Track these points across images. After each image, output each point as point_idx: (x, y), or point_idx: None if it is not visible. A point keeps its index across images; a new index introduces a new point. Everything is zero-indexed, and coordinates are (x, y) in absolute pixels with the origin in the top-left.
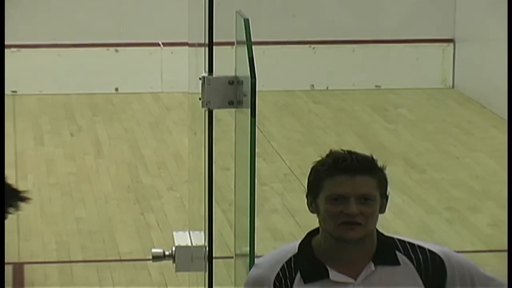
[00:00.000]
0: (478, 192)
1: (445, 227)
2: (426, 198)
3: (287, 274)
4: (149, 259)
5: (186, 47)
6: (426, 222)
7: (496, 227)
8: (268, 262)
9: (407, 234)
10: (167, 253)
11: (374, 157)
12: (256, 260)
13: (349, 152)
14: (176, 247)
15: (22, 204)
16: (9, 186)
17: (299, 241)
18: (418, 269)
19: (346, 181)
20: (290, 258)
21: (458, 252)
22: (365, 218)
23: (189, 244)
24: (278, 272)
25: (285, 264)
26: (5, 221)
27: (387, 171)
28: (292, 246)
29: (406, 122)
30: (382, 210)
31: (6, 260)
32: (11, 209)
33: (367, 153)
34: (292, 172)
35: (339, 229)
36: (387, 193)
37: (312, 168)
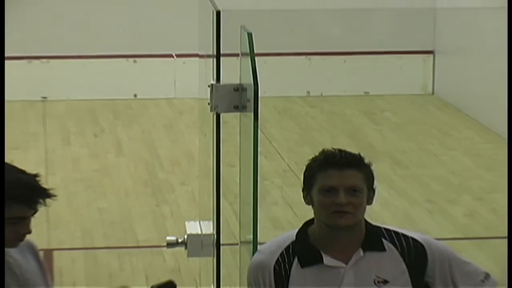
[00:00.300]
0: (455, 186)
1: (426, 217)
2: (409, 191)
3: (286, 259)
4: (163, 246)
5: (197, 58)
6: (409, 212)
7: (471, 217)
8: (269, 249)
9: (392, 223)
10: (180, 240)
11: (362, 155)
12: (258, 247)
13: (339, 150)
14: (188, 235)
15: (49, 201)
16: (37, 184)
17: (297, 229)
18: (402, 254)
19: (335, 175)
20: (289, 245)
21: (437, 239)
22: (354, 207)
23: (199, 233)
24: (278, 258)
25: (284, 250)
26: (35, 214)
27: (374, 168)
28: (290, 234)
29: (391, 124)
30: (370, 201)
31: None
32: (39, 206)
33: (357, 151)
34: (291, 168)
35: (331, 217)
36: (374, 186)
37: (307, 165)
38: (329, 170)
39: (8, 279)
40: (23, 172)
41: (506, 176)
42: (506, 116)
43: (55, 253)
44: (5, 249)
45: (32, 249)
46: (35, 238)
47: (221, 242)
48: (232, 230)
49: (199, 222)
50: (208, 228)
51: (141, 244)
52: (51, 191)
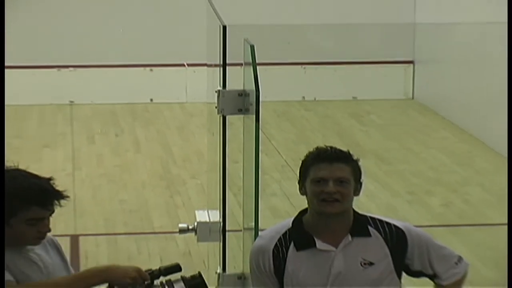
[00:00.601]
0: (432, 179)
1: (407, 207)
2: (391, 184)
3: (283, 243)
4: (176, 232)
5: (205, 67)
6: (392, 203)
7: (446, 207)
8: (269, 234)
9: (377, 212)
10: (190, 227)
11: (350, 152)
12: (259, 233)
13: (330, 147)
14: (197, 222)
15: (63, 202)
16: (51, 187)
17: (293, 218)
18: (385, 240)
19: (326, 167)
20: (286, 232)
21: (416, 226)
22: (341, 196)
23: (208, 220)
24: (276, 242)
25: (281, 236)
26: (52, 214)
27: (361, 164)
28: (287, 222)
29: (376, 126)
30: (357, 193)
31: (64, 233)
32: (54, 207)
33: (345, 149)
34: (288, 164)
35: (321, 205)
36: (361, 180)
37: (303, 160)
38: (321, 164)
39: (32, 274)
40: (37, 177)
41: (478, 171)
42: (479, 118)
43: (81, 238)
44: (29, 246)
45: (55, 245)
46: (63, 226)
47: (226, 229)
48: (236, 218)
49: (207, 211)
50: (215, 216)
51: (156, 231)
52: (64, 193)
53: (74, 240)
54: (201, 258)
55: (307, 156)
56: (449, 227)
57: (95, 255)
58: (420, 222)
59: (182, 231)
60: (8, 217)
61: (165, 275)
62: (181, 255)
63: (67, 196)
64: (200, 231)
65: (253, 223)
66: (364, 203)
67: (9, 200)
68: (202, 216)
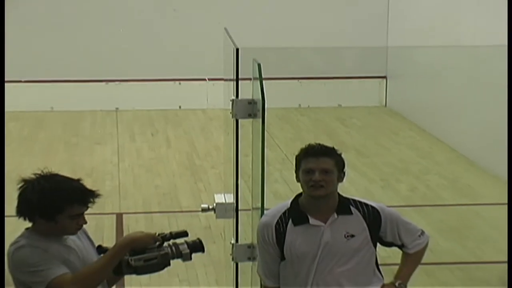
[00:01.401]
0: (400, 169)
1: (380, 191)
2: (368, 173)
3: (283, 220)
4: (199, 211)
5: (222, 81)
6: (368, 188)
7: (411, 191)
8: (272, 213)
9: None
10: (210, 207)
11: (335, 148)
12: (264, 212)
13: (319, 144)
14: (216, 203)
15: (96, 200)
16: (86, 188)
17: (291, 200)
18: (364, 217)
19: (313, 161)
20: (285, 211)
21: (388, 206)
22: (326, 183)
23: (224, 202)
24: (278, 219)
25: (282, 214)
26: (97, 199)
27: (345, 157)
28: (286, 203)
29: (356, 127)
30: (340, 180)
31: (111, 211)
32: (90, 204)
33: (332, 145)
34: (287, 157)
35: (310, 189)
36: (344, 170)
37: (296, 154)
38: (309, 158)
39: (70, 257)
40: (73, 179)
41: (436, 162)
42: (437, 121)
43: (124, 216)
44: (66, 236)
45: (84, 232)
46: (111, 206)
47: (239, 208)
48: (246, 200)
49: (224, 194)
50: (230, 198)
51: (183, 210)
52: (97, 192)
53: (119, 217)
54: (218, 232)
55: (299, 151)
56: (414, 207)
57: (135, 229)
58: (391, 203)
59: (204, 210)
60: (54, 214)
61: (174, 238)
62: (203, 229)
63: (100, 195)
64: (218, 210)
65: (260, 204)
66: (347, 188)
67: (56, 200)
68: (220, 198)
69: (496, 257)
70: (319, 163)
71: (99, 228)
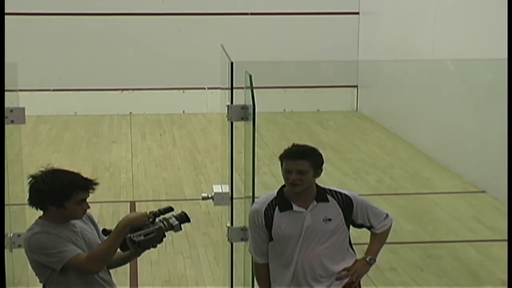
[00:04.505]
0: (369, 164)
1: (353, 182)
2: (342, 167)
3: (271, 207)
4: (200, 199)
5: (219, 90)
6: (343, 180)
7: (379, 182)
8: (261, 201)
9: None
10: (210, 196)
11: (315, 148)
12: (255, 200)
13: (298, 145)
14: (214, 193)
15: (96, 187)
16: (86, 178)
17: (277, 190)
18: (339, 203)
19: (291, 163)
20: (272, 199)
21: (360, 195)
22: (301, 181)
23: (221, 191)
24: (266, 206)
25: (270, 202)
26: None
27: (323, 154)
28: (273, 193)
29: (332, 128)
30: (317, 175)
31: (125, 200)
32: (91, 190)
33: (312, 144)
34: (274, 154)
35: (289, 186)
36: (322, 167)
37: (279, 155)
38: (288, 160)
39: (76, 241)
40: (73, 172)
41: (399, 158)
42: (401, 123)
43: (137, 204)
44: (73, 221)
45: (89, 218)
46: (125, 195)
47: (233, 197)
48: (240, 189)
49: (221, 185)
50: (226, 188)
51: (187, 198)
52: (95, 180)
53: (132, 205)
54: (216, 217)
55: (282, 152)
56: (381, 195)
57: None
58: (362, 192)
59: (204, 198)
60: (63, 200)
61: (163, 213)
62: (203, 214)
63: (98, 183)
64: (216, 198)
65: (251, 193)
66: (325, 180)
67: (64, 188)
68: (217, 188)
69: (448, 237)
70: (296, 165)
71: (115, 214)
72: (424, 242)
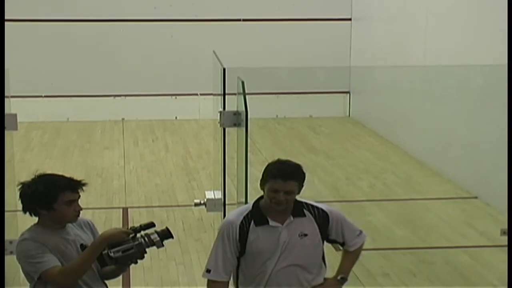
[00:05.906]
0: (361, 169)
1: (345, 187)
2: (335, 172)
3: (247, 220)
4: (192, 205)
5: (212, 96)
6: (335, 185)
7: (371, 188)
8: (236, 214)
9: (326, 193)
10: (202, 202)
11: (298, 164)
12: (228, 212)
13: (285, 163)
14: (207, 199)
15: (84, 187)
16: (73, 179)
17: (252, 202)
18: (315, 218)
19: (280, 183)
20: (248, 213)
21: (351, 201)
22: (287, 201)
23: (214, 197)
24: (242, 220)
25: (245, 215)
26: (80, 198)
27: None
28: (248, 206)
29: (324, 134)
30: (299, 192)
31: (118, 206)
32: (79, 191)
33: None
34: (267, 159)
35: (272, 204)
36: (304, 183)
37: (265, 168)
38: (277, 179)
39: (66, 249)
40: (60, 175)
41: (391, 163)
42: (392, 129)
43: (129, 210)
44: (68, 228)
45: (89, 226)
46: (118, 201)
47: (226, 203)
48: (232, 195)
49: (213, 191)
50: (218, 194)
51: (179, 204)
52: (83, 181)
53: (125, 211)
54: (209, 223)
55: (268, 166)
56: (373, 201)
57: (138, 221)
58: (354, 198)
59: (196, 204)
60: (51, 203)
61: (144, 229)
62: (196, 220)
63: (86, 183)
64: (209, 204)
65: (244, 199)
66: (317, 185)
67: (49, 191)
68: (210, 194)
69: (440, 242)
70: (285, 186)
71: (108, 220)
72: (417, 247)
